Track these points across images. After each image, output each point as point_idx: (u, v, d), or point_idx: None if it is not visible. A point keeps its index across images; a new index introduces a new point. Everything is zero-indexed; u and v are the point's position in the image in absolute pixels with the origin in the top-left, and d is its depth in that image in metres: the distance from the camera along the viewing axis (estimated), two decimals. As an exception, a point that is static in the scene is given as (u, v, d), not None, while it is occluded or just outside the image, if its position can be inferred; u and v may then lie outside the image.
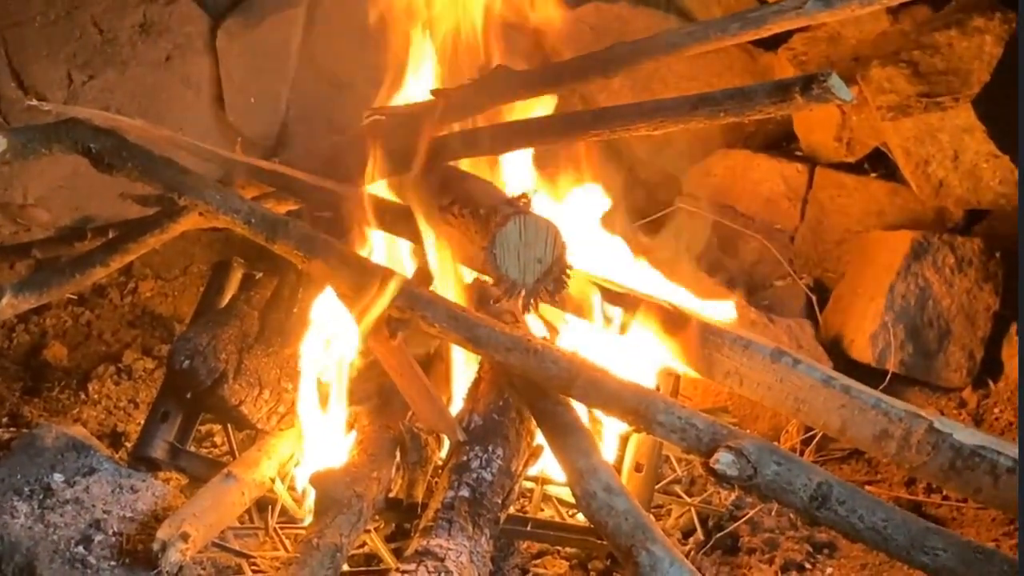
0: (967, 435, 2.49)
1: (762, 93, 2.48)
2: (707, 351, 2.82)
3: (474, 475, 2.62)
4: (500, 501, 2.64)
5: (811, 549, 2.95)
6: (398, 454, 2.88)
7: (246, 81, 4.43)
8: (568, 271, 2.54)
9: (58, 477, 2.77)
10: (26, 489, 2.72)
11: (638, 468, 2.99)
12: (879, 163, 3.97)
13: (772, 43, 4.08)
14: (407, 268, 3.25)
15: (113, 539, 2.66)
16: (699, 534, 3.04)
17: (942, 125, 3.62)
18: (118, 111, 4.09)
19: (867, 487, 3.08)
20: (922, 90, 3.64)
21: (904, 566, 2.65)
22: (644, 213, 4.09)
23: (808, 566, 2.91)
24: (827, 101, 2.36)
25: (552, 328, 3.12)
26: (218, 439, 3.44)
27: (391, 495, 2.85)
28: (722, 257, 4.00)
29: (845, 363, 3.54)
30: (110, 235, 3.63)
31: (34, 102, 3.31)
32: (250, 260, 3.59)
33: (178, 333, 3.90)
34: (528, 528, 2.91)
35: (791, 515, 3.02)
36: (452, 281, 3.09)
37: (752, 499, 2.96)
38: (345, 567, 2.66)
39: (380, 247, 3.27)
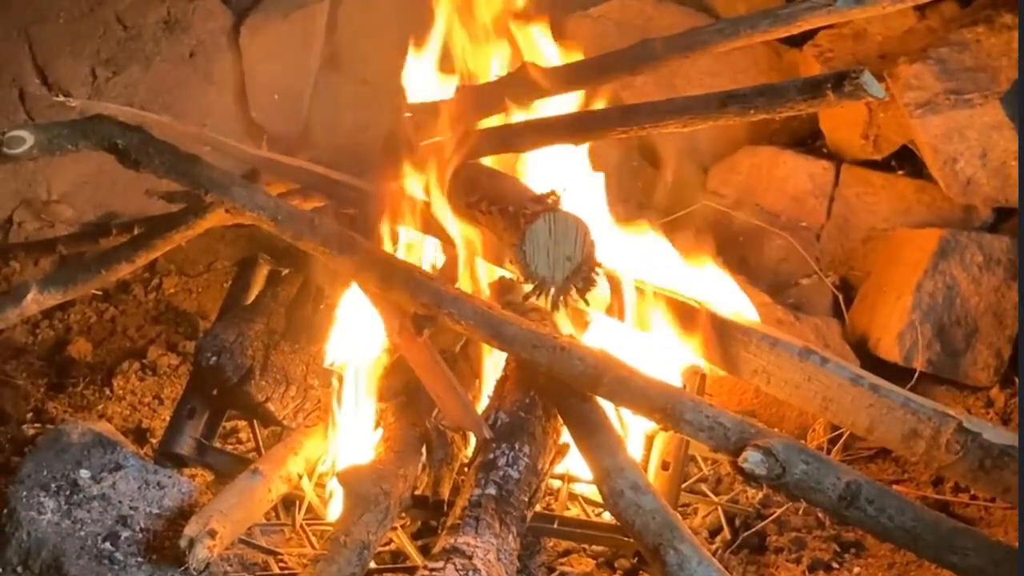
0: (996, 434, 2.48)
1: (793, 90, 2.47)
2: (734, 349, 2.81)
3: (501, 473, 2.61)
4: (527, 499, 2.63)
5: (838, 548, 2.95)
6: (424, 451, 2.88)
7: (269, 77, 4.43)
8: (597, 269, 2.53)
9: (85, 473, 2.77)
10: (53, 485, 2.72)
11: (665, 466, 2.98)
12: (906, 161, 3.95)
13: (798, 40, 4.06)
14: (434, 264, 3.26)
15: (140, 535, 2.66)
16: (726, 533, 3.04)
17: (970, 122, 3.60)
18: (141, 107, 4.10)
19: (894, 486, 3.07)
20: (950, 87, 3.63)
21: (932, 566, 2.65)
22: (668, 211, 4.07)
23: (835, 565, 2.91)
24: (859, 98, 2.35)
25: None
26: (243, 435, 3.45)
27: (417, 492, 2.85)
28: (747, 255, 3.99)
29: (872, 362, 3.53)
30: (135, 231, 3.64)
31: (60, 98, 3.32)
32: (275, 256, 3.60)
33: (202, 329, 3.92)
34: (555, 526, 2.91)
35: (818, 514, 3.01)
36: (478, 278, 3.09)
37: (779, 498, 2.96)
38: (372, 564, 2.67)
39: (407, 244, 3.27)
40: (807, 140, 4.24)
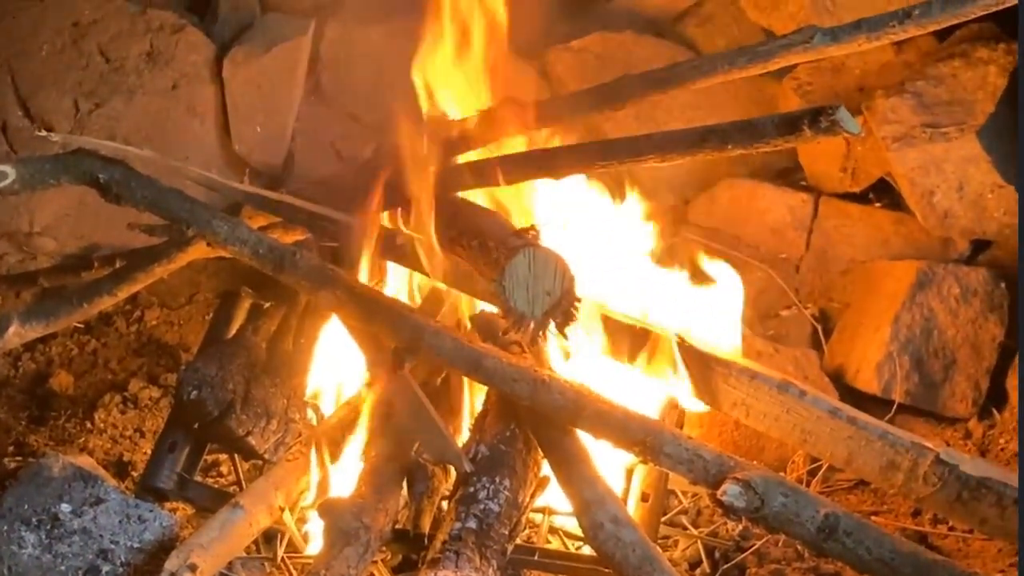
0: (973, 466, 2.51)
1: (770, 126, 2.49)
2: (714, 382, 2.83)
3: (481, 506, 2.61)
4: (507, 532, 2.63)
5: (818, 580, 2.96)
6: (405, 485, 2.88)
7: (252, 110, 4.43)
8: (577, 304, 2.54)
9: (65, 507, 2.77)
10: (34, 519, 2.72)
11: (644, 498, 2.99)
12: (884, 193, 3.98)
13: (777, 73, 4.09)
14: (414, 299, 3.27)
15: (121, 569, 2.66)
16: (706, 566, 3.05)
17: (947, 155, 3.63)
18: (124, 140, 4.10)
19: (873, 518, 3.08)
20: (927, 120, 3.66)
21: (911, 598, 2.66)
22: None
23: (815, 597, 2.92)
24: (835, 134, 2.37)
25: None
26: (224, 468, 3.44)
27: (398, 526, 2.85)
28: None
29: (850, 393, 3.55)
30: (117, 264, 3.64)
31: (42, 132, 3.32)
32: (257, 288, 3.59)
33: (184, 362, 3.91)
34: (535, 559, 2.91)
35: (798, 546, 3.01)
36: (457, 311, 3.10)
37: (758, 530, 2.95)
38: (353, 598, 2.66)
39: (388, 277, 3.28)
40: (786, 173, 4.27)
